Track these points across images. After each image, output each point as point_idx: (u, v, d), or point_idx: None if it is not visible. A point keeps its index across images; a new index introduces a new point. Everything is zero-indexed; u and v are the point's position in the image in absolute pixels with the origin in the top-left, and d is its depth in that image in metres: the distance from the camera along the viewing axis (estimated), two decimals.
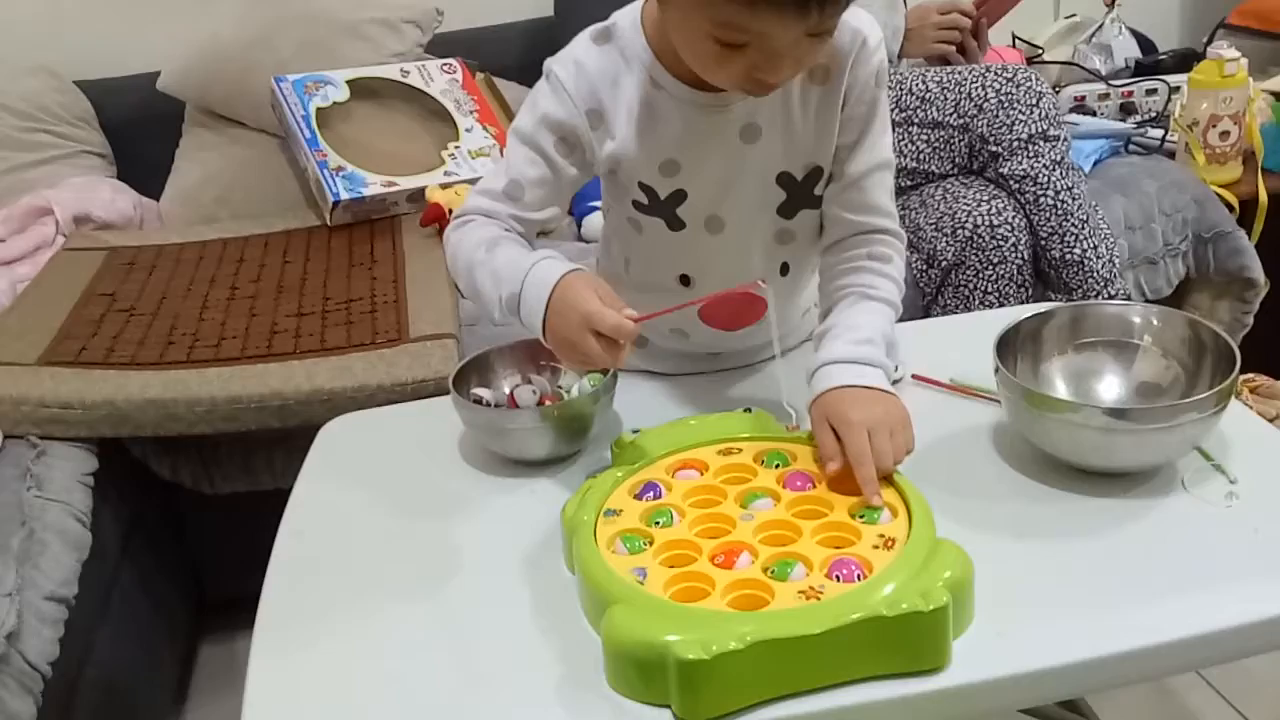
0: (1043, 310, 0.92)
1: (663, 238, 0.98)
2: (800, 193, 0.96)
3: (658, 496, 0.82)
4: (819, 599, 0.69)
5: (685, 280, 1.01)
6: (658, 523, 0.78)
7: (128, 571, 1.36)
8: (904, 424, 0.84)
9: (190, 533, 1.60)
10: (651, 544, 0.76)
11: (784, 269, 1.01)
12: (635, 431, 0.90)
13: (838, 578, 0.71)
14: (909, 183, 1.62)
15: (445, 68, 1.93)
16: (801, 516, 0.78)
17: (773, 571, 0.72)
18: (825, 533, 0.76)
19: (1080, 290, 1.53)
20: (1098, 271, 1.52)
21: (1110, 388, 0.89)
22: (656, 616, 0.67)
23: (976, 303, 1.53)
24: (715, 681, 0.64)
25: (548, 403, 0.95)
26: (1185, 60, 2.01)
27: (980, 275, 1.52)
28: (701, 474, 0.84)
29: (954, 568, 0.69)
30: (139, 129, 2.00)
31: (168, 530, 1.57)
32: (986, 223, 1.51)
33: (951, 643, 0.68)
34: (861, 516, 0.77)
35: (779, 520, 0.77)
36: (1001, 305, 1.53)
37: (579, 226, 1.79)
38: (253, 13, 1.93)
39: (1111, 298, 1.52)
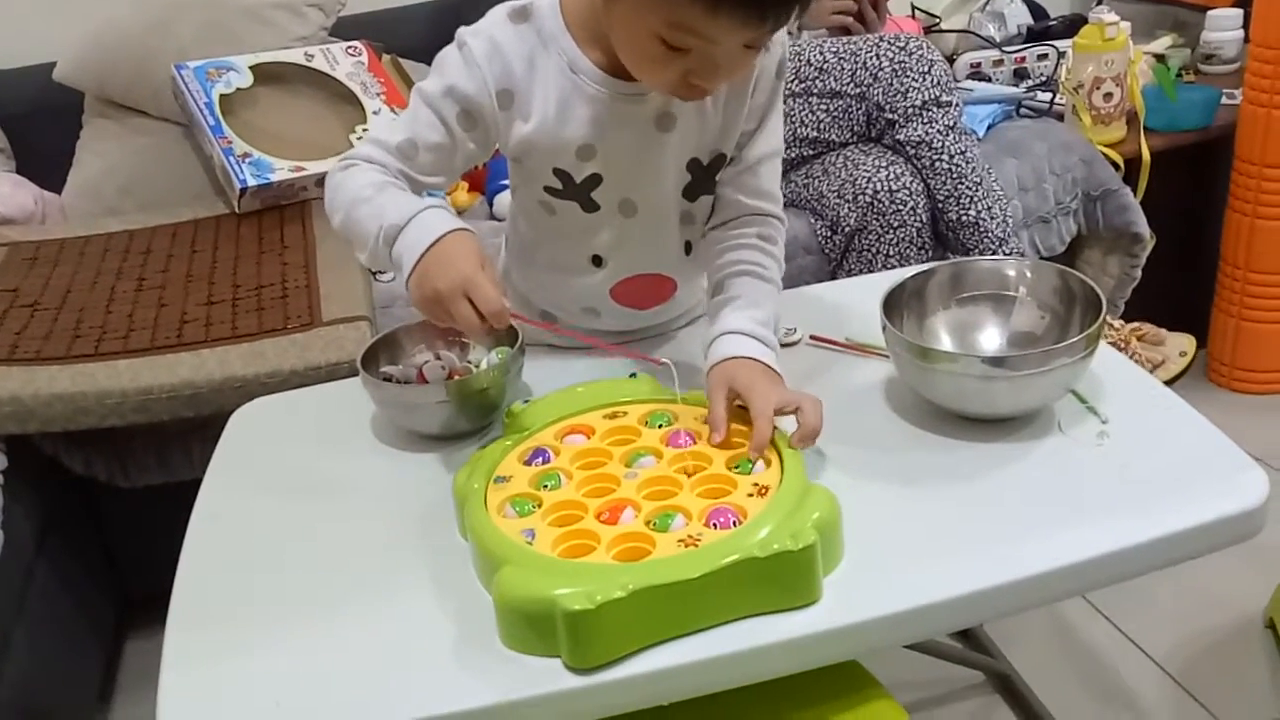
0: (926, 269, 0.96)
1: (577, 220, 0.99)
2: (704, 177, 0.99)
3: (546, 461, 0.84)
4: (697, 546, 0.72)
5: (597, 260, 1.02)
6: (546, 486, 0.81)
7: (44, 570, 1.35)
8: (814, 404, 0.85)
9: (109, 528, 1.58)
10: (540, 506, 0.78)
11: (687, 248, 1.04)
12: (526, 401, 0.92)
13: (715, 525, 0.74)
14: (810, 152, 1.66)
15: (350, 50, 1.92)
16: (682, 472, 0.81)
17: (654, 524, 0.75)
18: (704, 485, 0.79)
19: (978, 250, 1.58)
20: (993, 232, 1.58)
21: (990, 338, 0.94)
22: (544, 573, 0.70)
23: (880, 265, 1.58)
24: (602, 630, 0.67)
25: (456, 377, 0.97)
26: (1075, 25, 2.06)
27: (882, 239, 1.57)
28: (589, 438, 0.86)
29: (822, 509, 0.73)
30: (37, 121, 1.94)
31: (85, 527, 1.55)
32: (886, 188, 1.56)
33: (821, 579, 0.72)
34: (738, 468, 0.80)
35: (661, 476, 0.80)
36: (904, 267, 1.57)
37: (490, 205, 1.80)
38: None
39: (1007, 256, 1.58)
